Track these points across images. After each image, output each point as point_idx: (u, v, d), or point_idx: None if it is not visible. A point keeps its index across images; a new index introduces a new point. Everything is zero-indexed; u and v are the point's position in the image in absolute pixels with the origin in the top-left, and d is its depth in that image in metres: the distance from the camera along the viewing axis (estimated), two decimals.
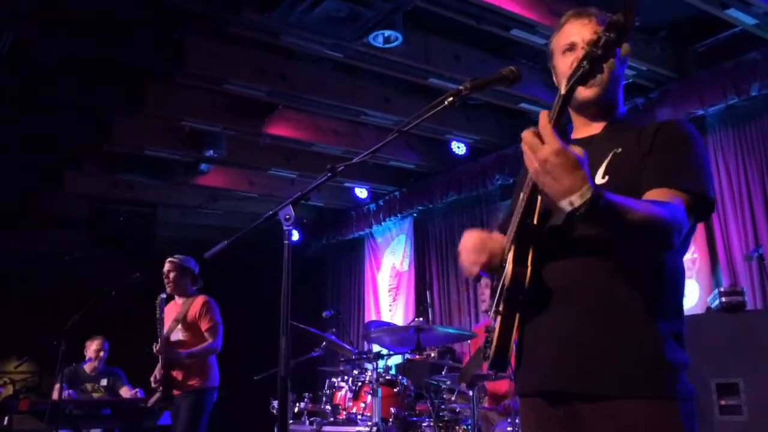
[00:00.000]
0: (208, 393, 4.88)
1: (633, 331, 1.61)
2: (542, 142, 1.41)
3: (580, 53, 1.75)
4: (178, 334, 4.95)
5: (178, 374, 4.84)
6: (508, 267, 1.62)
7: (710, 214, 1.69)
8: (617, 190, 1.60)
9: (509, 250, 1.66)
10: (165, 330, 4.90)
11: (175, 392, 4.84)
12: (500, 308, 1.67)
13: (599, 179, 1.69)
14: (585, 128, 1.87)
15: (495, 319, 1.71)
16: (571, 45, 1.84)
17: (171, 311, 5.08)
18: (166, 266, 5.06)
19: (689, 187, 1.61)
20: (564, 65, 1.84)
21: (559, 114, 1.46)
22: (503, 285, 1.66)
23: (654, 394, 1.57)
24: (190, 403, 4.77)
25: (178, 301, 5.10)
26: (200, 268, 5.20)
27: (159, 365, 4.86)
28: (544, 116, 1.43)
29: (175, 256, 5.11)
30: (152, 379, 4.91)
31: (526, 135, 1.44)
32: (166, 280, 5.04)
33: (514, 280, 1.61)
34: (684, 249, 1.76)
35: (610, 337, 1.61)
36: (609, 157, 1.71)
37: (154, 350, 4.80)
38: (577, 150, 1.41)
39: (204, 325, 4.93)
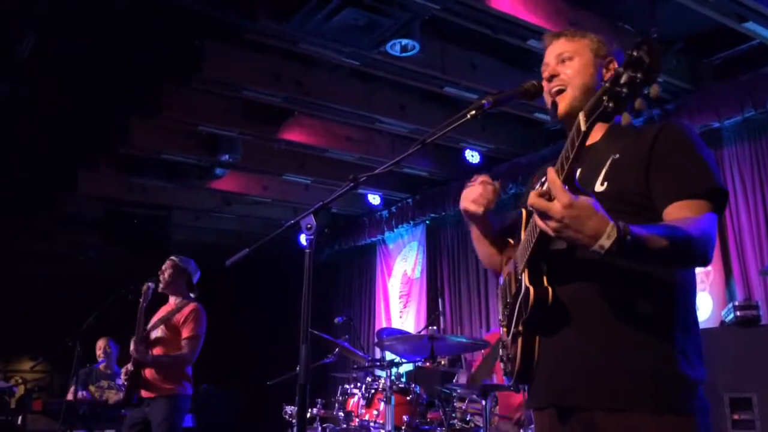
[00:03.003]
0: (183, 400, 4.68)
1: (648, 346, 1.61)
2: (550, 199, 1.43)
3: (545, 73, 1.87)
4: (158, 332, 4.73)
5: (152, 375, 4.61)
6: (528, 289, 1.64)
7: (726, 203, 1.68)
8: (616, 196, 1.64)
9: (523, 271, 1.68)
10: (149, 326, 4.73)
11: (145, 394, 4.59)
12: (520, 329, 1.69)
13: (599, 186, 1.70)
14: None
15: (515, 339, 1.72)
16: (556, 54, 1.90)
17: (162, 309, 4.94)
18: (165, 264, 4.92)
19: (703, 190, 1.62)
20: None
21: (577, 153, 1.44)
22: (521, 306, 1.67)
23: (671, 410, 1.57)
24: (165, 409, 4.54)
25: (172, 302, 4.95)
26: (211, 275, 5.11)
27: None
28: (551, 172, 1.44)
29: (177, 256, 4.99)
30: (123, 372, 4.71)
31: (533, 200, 1.45)
32: (161, 277, 4.88)
33: (537, 303, 1.62)
34: None
35: (625, 353, 1.61)
36: (608, 164, 1.72)
37: (131, 347, 4.58)
38: (586, 197, 1.43)
39: (185, 333, 4.72)
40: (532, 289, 1.63)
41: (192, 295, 4.99)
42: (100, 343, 6.43)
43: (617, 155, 1.72)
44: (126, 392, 4.60)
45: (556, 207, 1.41)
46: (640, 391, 1.58)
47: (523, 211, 1.71)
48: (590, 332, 1.65)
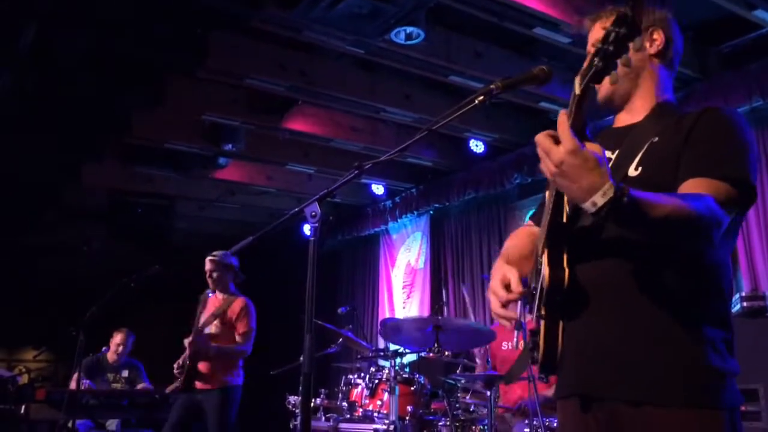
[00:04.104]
0: (235, 390, 4.88)
1: (675, 335, 1.55)
2: (557, 143, 1.38)
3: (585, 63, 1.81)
4: (211, 328, 4.93)
5: (205, 368, 4.82)
6: (545, 271, 1.58)
7: (752, 203, 1.61)
8: (650, 181, 1.56)
9: (543, 253, 1.61)
10: (201, 322, 4.90)
11: (198, 385, 4.80)
12: (542, 312, 1.63)
13: (632, 171, 1.64)
14: (627, 116, 1.82)
15: (538, 323, 1.68)
16: (593, 42, 1.87)
17: (210, 305, 5.08)
18: (208, 265, 5.04)
19: (728, 174, 1.53)
20: None
21: (576, 114, 1.42)
22: (542, 288, 1.62)
23: (698, 403, 1.52)
24: (219, 401, 4.76)
25: (219, 296, 5.09)
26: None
27: (186, 354, 4.85)
28: (563, 115, 1.40)
29: (214, 253, 5.08)
30: (176, 365, 4.89)
31: (540, 138, 1.41)
32: (209, 279, 5.04)
33: (552, 285, 1.57)
34: (728, 245, 1.67)
35: (651, 342, 1.56)
36: (645, 148, 1.66)
37: (187, 341, 4.77)
38: (595, 148, 1.38)
39: (240, 328, 4.95)
40: (547, 270, 1.57)
41: (236, 283, 5.15)
42: (117, 338, 6.41)
43: (656, 138, 1.66)
44: (184, 383, 4.76)
45: (560, 151, 1.36)
46: (666, 384, 1.52)
47: (547, 194, 1.66)
48: (614, 319, 1.59)
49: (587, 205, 1.37)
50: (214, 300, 5.11)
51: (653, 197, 1.41)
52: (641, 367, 1.55)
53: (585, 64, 1.41)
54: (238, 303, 4.99)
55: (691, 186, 1.55)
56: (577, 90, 1.41)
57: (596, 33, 1.87)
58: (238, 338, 4.95)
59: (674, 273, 1.58)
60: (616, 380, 1.57)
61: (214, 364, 4.83)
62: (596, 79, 1.37)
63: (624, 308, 1.59)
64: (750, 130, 1.66)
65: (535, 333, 1.69)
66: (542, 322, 1.64)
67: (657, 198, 1.42)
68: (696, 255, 1.60)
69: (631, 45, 1.33)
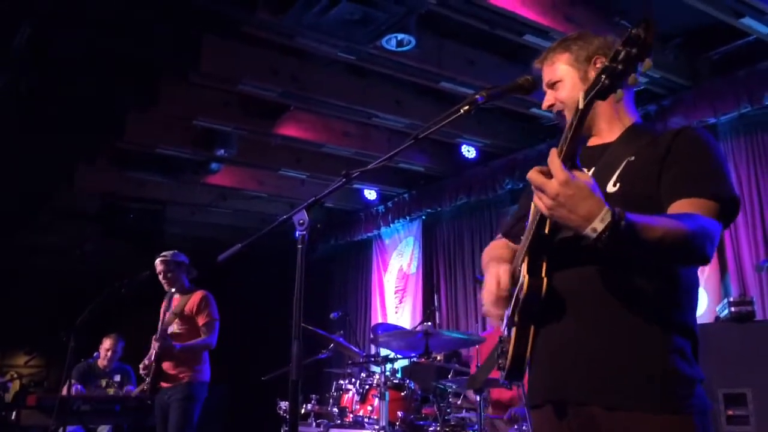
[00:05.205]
0: (200, 386, 4.91)
1: (647, 343, 1.60)
2: (549, 177, 1.43)
3: (544, 105, 1.90)
4: (174, 327, 4.99)
5: (169, 366, 4.87)
6: (524, 278, 1.62)
7: (736, 215, 1.67)
8: (628, 198, 1.61)
9: (523, 261, 1.65)
10: (164, 322, 4.95)
11: (164, 384, 4.86)
12: (515, 319, 1.67)
13: (611, 187, 1.68)
14: (601, 135, 1.86)
15: (510, 330, 1.71)
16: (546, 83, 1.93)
17: (172, 304, 5.13)
18: (160, 266, 5.10)
19: (714, 193, 1.60)
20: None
21: (576, 128, 1.46)
22: (518, 296, 1.65)
23: (669, 409, 1.56)
24: (182, 395, 4.80)
25: (176, 295, 5.15)
26: (206, 270, 5.24)
27: (150, 354, 4.91)
28: (553, 151, 1.45)
29: (164, 253, 5.16)
30: (141, 366, 4.97)
31: (531, 175, 1.46)
32: (163, 280, 5.10)
33: (530, 292, 1.60)
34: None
35: (623, 349, 1.60)
36: (622, 166, 1.70)
37: (154, 340, 4.84)
38: (585, 177, 1.43)
39: (201, 320, 4.98)
40: (526, 278, 1.61)
41: (190, 279, 5.17)
42: (105, 344, 6.41)
43: (632, 157, 1.71)
44: (151, 384, 4.86)
45: (554, 184, 1.41)
46: (637, 389, 1.57)
47: (532, 205, 1.70)
48: (588, 327, 1.63)
49: (588, 232, 1.41)
50: (175, 299, 5.16)
51: (648, 219, 1.46)
52: (618, 373, 1.59)
53: (590, 81, 1.43)
54: (196, 297, 5.03)
55: (679, 207, 1.60)
56: (581, 104, 1.44)
57: (546, 75, 1.93)
58: (201, 331, 4.97)
59: (650, 285, 1.63)
60: (593, 385, 1.61)
61: (177, 362, 4.87)
62: (601, 95, 1.40)
63: (599, 316, 1.63)
64: (720, 146, 1.72)
65: (504, 340, 1.72)
66: (514, 329, 1.67)
67: (651, 220, 1.46)
68: (670, 267, 1.66)
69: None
